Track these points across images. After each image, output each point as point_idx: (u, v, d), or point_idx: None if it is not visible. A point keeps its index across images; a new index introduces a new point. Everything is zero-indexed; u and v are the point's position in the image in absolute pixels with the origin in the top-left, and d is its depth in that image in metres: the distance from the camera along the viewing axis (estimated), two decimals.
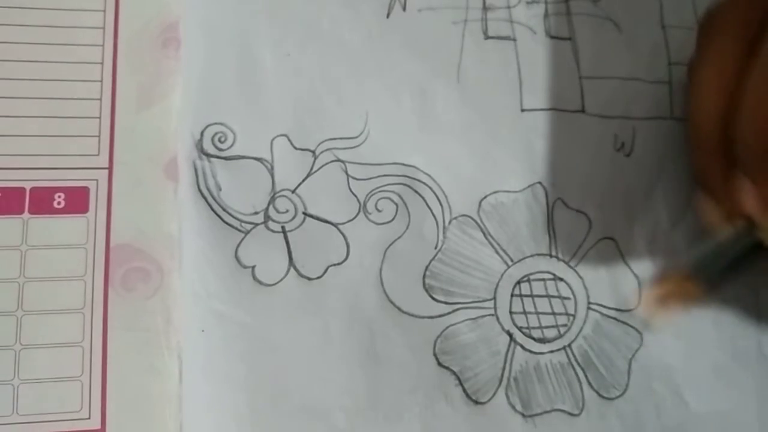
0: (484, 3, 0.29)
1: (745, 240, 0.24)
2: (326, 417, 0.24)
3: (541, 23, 0.29)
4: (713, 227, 0.26)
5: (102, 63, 0.26)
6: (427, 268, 0.27)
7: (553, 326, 0.27)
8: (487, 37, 0.29)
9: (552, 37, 0.29)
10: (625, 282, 0.28)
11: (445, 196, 0.27)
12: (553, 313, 0.27)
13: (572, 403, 0.26)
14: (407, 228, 0.27)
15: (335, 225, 0.26)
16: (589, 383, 0.27)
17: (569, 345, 0.27)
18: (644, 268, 0.28)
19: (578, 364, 0.27)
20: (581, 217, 0.28)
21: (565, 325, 0.27)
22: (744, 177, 0.24)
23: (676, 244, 0.28)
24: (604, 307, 0.27)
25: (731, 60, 0.24)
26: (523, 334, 0.27)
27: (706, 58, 0.25)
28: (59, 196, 0.25)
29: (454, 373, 0.26)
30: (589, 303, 0.27)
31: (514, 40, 0.29)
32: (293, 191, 0.26)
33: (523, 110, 0.28)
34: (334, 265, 0.26)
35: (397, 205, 0.27)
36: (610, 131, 0.29)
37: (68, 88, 0.26)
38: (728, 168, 0.24)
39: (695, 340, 0.27)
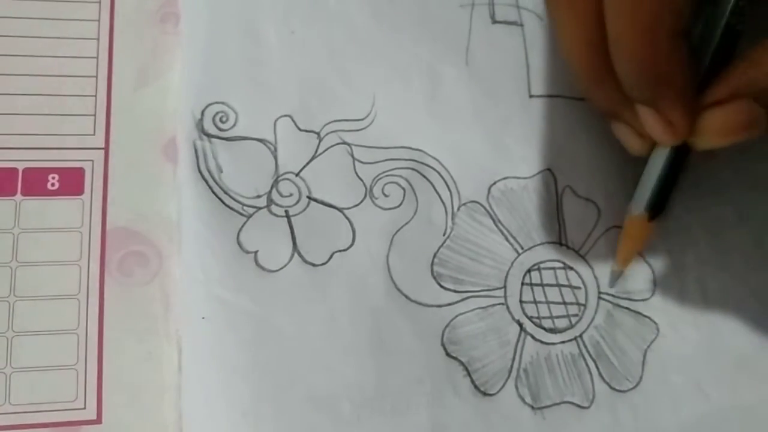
0: None
1: (670, 158, 0.25)
2: (331, 407, 0.24)
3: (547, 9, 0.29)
4: (634, 151, 0.26)
5: (98, 39, 0.26)
6: (435, 255, 0.26)
7: (564, 316, 0.26)
8: (494, 22, 0.29)
9: None
10: (638, 271, 0.27)
11: (454, 182, 0.27)
12: (564, 303, 0.26)
13: (582, 395, 0.26)
14: (415, 214, 0.26)
15: (341, 210, 0.26)
16: (600, 375, 0.26)
17: (580, 335, 0.26)
18: (658, 257, 0.27)
19: (589, 355, 0.26)
20: (590, 206, 0.27)
21: (576, 315, 0.26)
22: (642, 105, 0.24)
23: (692, 232, 0.28)
24: (616, 296, 0.27)
25: None
26: (534, 324, 0.26)
27: None
28: (53, 178, 0.24)
29: (462, 363, 0.25)
30: (599, 292, 0.27)
31: (522, 25, 0.29)
32: (297, 174, 0.26)
33: (531, 96, 0.28)
34: (340, 251, 0.25)
35: (404, 189, 0.26)
36: None
37: (63, 65, 0.25)
38: (621, 91, 0.24)
39: (716, 330, 0.27)
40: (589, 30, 0.23)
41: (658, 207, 0.25)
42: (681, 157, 0.24)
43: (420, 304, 0.25)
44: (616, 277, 0.27)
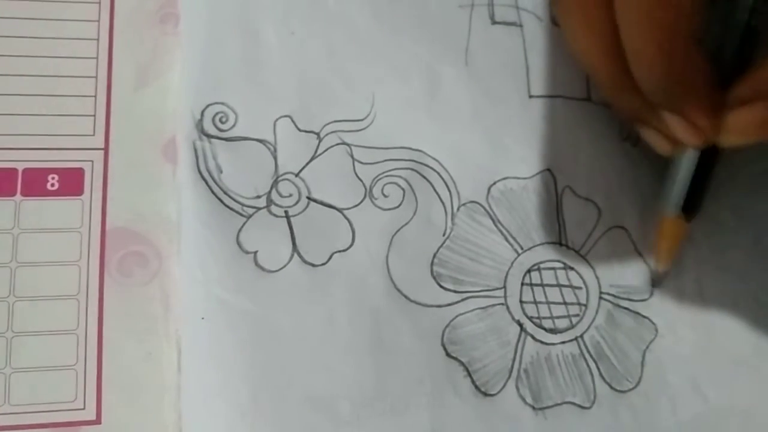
0: None
1: (698, 158, 0.25)
2: (330, 407, 0.24)
3: (547, 10, 0.29)
4: (664, 153, 0.26)
5: (98, 39, 0.26)
6: (435, 255, 0.26)
7: (564, 316, 0.26)
8: (494, 22, 0.29)
9: (557, 25, 0.29)
10: (639, 271, 0.27)
11: (453, 182, 0.27)
12: (565, 303, 0.26)
13: (583, 395, 0.26)
14: (414, 214, 0.26)
15: (340, 210, 0.26)
16: (601, 375, 0.26)
17: (581, 336, 0.26)
18: None
19: (590, 355, 0.26)
20: (590, 206, 0.27)
21: (577, 315, 0.26)
22: (665, 111, 0.24)
23: (693, 233, 0.27)
24: (617, 297, 0.27)
25: None
26: (534, 324, 0.26)
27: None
28: (53, 178, 0.24)
29: (462, 364, 0.25)
30: (600, 293, 0.27)
31: (521, 26, 0.29)
32: (297, 175, 0.26)
33: (531, 96, 0.28)
34: (339, 251, 0.25)
35: (404, 190, 0.26)
36: (616, 121, 0.28)
37: (62, 66, 0.25)
38: (644, 98, 0.24)
39: (713, 331, 0.27)
40: (606, 40, 0.23)
41: (693, 207, 0.26)
42: (711, 156, 0.25)
43: (420, 304, 0.25)
44: (661, 278, 0.27)
